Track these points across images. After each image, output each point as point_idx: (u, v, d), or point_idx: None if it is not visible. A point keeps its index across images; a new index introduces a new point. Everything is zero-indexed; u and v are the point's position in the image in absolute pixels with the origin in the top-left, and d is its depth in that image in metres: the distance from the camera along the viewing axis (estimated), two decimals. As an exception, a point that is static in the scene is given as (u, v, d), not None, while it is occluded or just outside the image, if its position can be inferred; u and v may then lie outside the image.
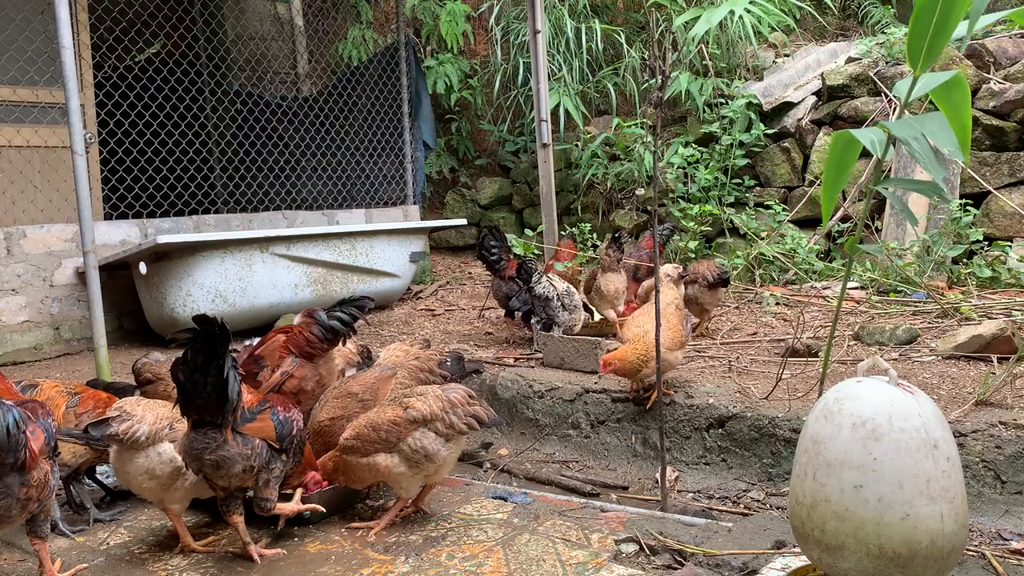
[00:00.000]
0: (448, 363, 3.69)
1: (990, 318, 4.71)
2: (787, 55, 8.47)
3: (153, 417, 2.92)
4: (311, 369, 3.55)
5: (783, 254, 6.63)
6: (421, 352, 3.79)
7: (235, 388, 2.66)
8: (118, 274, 6.06)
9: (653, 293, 3.43)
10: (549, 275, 4.96)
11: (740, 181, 7.65)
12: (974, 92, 6.69)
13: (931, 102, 2.55)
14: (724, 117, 7.78)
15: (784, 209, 7.22)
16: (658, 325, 3.34)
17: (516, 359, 4.94)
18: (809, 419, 2.22)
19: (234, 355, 2.71)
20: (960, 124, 2.45)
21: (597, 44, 8.89)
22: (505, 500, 3.37)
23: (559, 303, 4.82)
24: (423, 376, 3.59)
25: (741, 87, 8.00)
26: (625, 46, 8.78)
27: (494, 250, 5.61)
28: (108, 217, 6.68)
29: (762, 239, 6.94)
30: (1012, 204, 6.20)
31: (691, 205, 7.29)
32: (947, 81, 2.42)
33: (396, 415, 3.05)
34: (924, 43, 2.45)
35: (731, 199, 7.59)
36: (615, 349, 3.97)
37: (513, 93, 9.30)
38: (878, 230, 6.73)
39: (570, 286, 4.98)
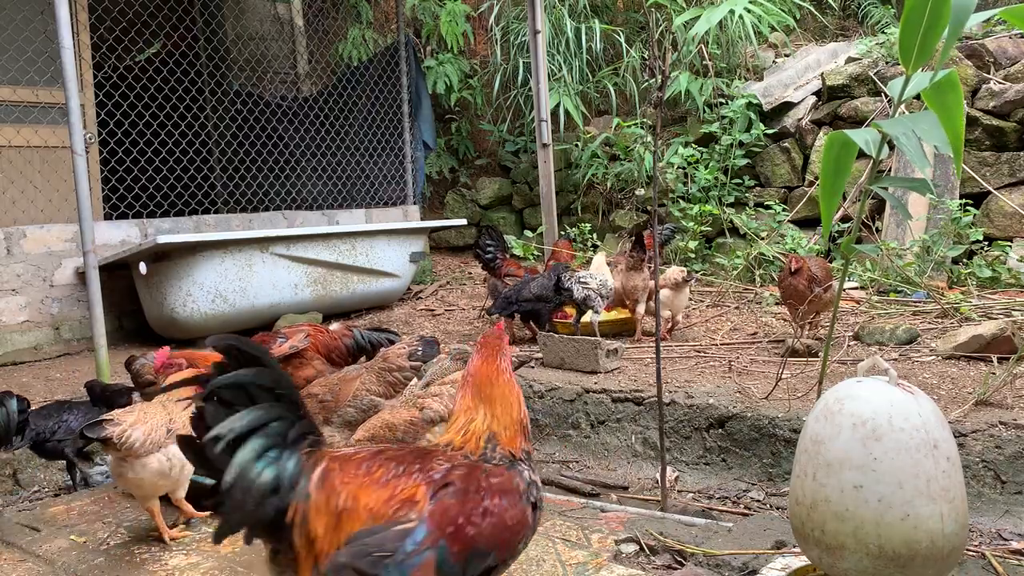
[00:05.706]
0: (420, 352, 3.47)
1: (990, 318, 4.71)
2: (787, 55, 8.47)
3: (148, 427, 2.92)
4: (320, 363, 3.63)
5: (783, 254, 6.63)
6: (388, 351, 3.56)
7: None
8: (118, 274, 6.06)
9: (654, 293, 3.43)
10: (580, 276, 5.07)
11: (740, 181, 7.65)
12: (974, 92, 6.69)
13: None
14: (724, 117, 7.78)
15: (784, 209, 7.22)
16: (658, 319, 3.34)
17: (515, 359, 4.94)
18: (809, 419, 2.22)
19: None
20: (953, 130, 2.38)
21: (597, 44, 8.90)
22: (505, 500, 3.37)
23: (597, 295, 5.00)
24: (392, 377, 3.43)
25: (741, 87, 8.00)
26: (625, 46, 8.78)
27: (489, 249, 5.71)
28: (108, 217, 6.68)
29: (762, 239, 6.94)
30: (1012, 204, 6.20)
31: (691, 205, 7.29)
32: (939, 82, 2.36)
33: (412, 416, 3.08)
34: (916, 41, 2.43)
35: (731, 199, 7.59)
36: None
37: (513, 93, 9.30)
38: (878, 230, 6.73)
39: (603, 277, 5.07)
